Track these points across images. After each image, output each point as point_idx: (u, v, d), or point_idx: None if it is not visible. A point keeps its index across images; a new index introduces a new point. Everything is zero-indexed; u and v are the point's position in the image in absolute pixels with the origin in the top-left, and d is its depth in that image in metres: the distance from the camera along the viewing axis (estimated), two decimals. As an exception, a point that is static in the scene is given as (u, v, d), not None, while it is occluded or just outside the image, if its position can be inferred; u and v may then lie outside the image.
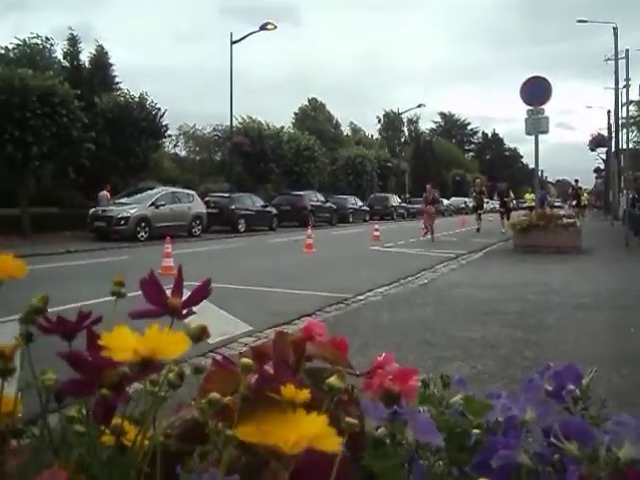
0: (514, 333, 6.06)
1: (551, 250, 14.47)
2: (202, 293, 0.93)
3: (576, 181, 39.85)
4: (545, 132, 17.32)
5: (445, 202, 60.58)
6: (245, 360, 0.74)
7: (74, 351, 0.73)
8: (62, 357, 0.72)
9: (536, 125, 17.09)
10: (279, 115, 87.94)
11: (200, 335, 0.74)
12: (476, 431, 1.01)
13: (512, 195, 30.33)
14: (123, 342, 0.57)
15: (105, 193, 27.66)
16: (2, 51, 33.36)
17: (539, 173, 23.58)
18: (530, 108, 17.30)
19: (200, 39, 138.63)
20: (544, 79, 17.60)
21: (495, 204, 46.09)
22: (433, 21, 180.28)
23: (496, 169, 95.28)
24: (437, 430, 0.91)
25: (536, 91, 17.28)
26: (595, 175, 59.90)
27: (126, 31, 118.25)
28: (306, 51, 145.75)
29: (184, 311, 0.89)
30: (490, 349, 5.47)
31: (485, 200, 33.41)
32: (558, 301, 8.01)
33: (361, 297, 9.17)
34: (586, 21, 36.73)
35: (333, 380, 0.74)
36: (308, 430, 0.50)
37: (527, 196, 40.02)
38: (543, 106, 17.37)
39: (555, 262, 12.95)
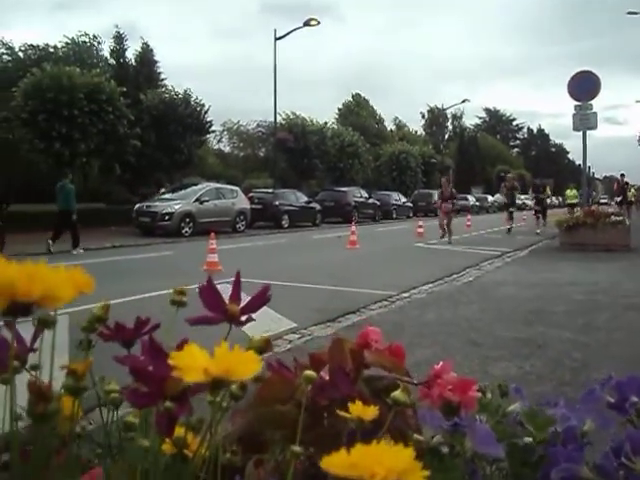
0: (562, 333, 5.97)
1: (599, 248, 14.21)
2: (261, 299, 0.92)
3: (622, 175, 36.11)
4: (593, 128, 17.03)
5: (490, 199, 60.00)
6: (308, 373, 0.73)
7: (137, 361, 0.73)
8: (125, 365, 0.71)
9: (584, 121, 16.81)
10: (322, 111, 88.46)
11: (264, 348, 0.73)
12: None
13: (549, 191, 27.26)
14: (193, 362, 0.57)
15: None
16: (51, 50, 33.91)
17: (587, 169, 22.93)
18: (578, 103, 17.01)
19: (241, 36, 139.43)
20: (592, 73, 17.28)
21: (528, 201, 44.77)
22: (477, 16, 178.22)
23: (542, 165, 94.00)
24: (496, 441, 0.89)
25: (584, 86, 16.98)
26: (645, 171, 58.71)
27: (167, 29, 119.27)
28: (349, 47, 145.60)
29: (243, 318, 0.88)
30: (537, 350, 5.39)
31: (522, 197, 32.59)
32: (607, 301, 7.86)
33: (405, 294, 9.12)
34: (636, 13, 35.84)
35: (398, 394, 0.72)
36: (396, 464, 0.48)
37: (568, 192, 37.09)
38: (591, 101, 17.08)
39: (603, 261, 12.72)
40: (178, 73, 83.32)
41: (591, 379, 4.45)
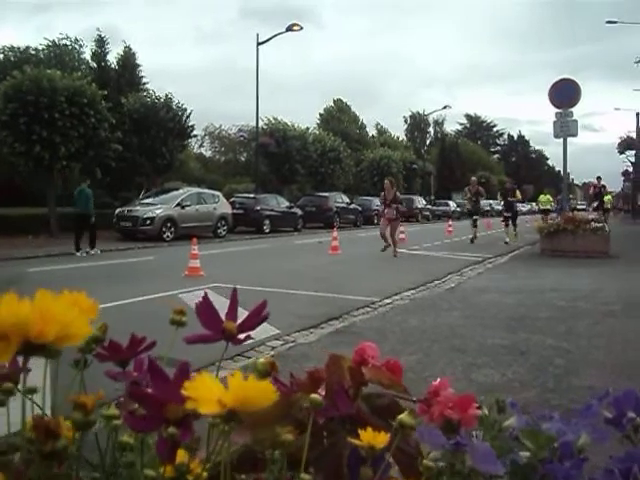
0: (544, 340, 5.99)
1: (579, 254, 14.32)
2: (258, 316, 0.91)
3: (598, 179, 33.52)
4: (574, 135, 17.16)
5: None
6: (315, 397, 0.71)
7: (138, 386, 0.71)
8: (115, 380, 0.70)
9: (565, 128, 16.94)
10: (304, 116, 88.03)
11: (269, 371, 0.72)
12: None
13: (519, 195, 23.93)
14: (207, 393, 0.55)
15: None
16: (32, 52, 33.67)
17: (568, 176, 23.05)
18: (559, 111, 17.13)
19: (221, 40, 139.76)
20: (573, 81, 17.43)
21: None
22: (458, 23, 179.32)
23: (522, 171, 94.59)
24: (496, 459, 0.88)
25: (565, 93, 17.11)
26: (623, 178, 59.15)
27: (148, 33, 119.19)
28: (330, 52, 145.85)
29: (241, 336, 0.87)
30: (520, 356, 5.41)
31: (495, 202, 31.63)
32: (588, 307, 7.92)
33: (388, 301, 9.13)
34: (615, 22, 36.20)
35: (405, 417, 0.71)
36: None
37: (541, 198, 36.00)
38: (572, 109, 17.20)
39: (583, 267, 12.81)
40: (159, 77, 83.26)
41: (573, 386, 4.48)
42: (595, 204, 32.24)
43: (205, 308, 0.88)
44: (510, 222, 22.43)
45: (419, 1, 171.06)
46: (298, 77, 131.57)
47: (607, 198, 34.90)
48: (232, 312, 0.90)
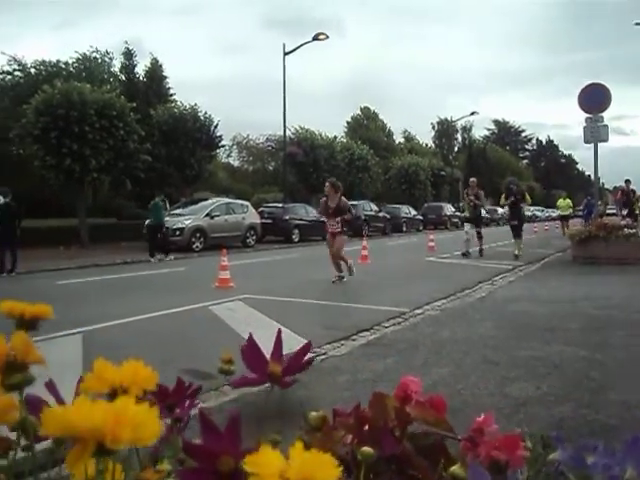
0: (578, 352, 5.92)
1: (612, 262, 14.12)
2: (302, 359, 0.91)
3: (627, 182, 29.60)
4: (605, 140, 16.95)
5: (499, 210, 59.76)
6: (366, 450, 0.71)
7: (190, 442, 0.72)
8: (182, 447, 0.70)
9: (595, 133, 16.75)
10: (328, 124, 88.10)
11: (320, 425, 0.72)
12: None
13: (529, 199, 19.69)
14: (269, 467, 0.55)
15: None
16: (62, 65, 34.13)
17: (599, 181, 21.81)
18: (589, 116, 16.96)
19: (244, 51, 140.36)
20: (603, 86, 17.22)
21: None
22: (479, 29, 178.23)
23: (551, 176, 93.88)
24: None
25: (595, 98, 16.92)
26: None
27: (172, 45, 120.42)
28: (351, 62, 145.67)
29: (286, 378, 0.87)
30: (554, 369, 5.35)
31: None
32: (622, 317, 7.80)
33: (418, 311, 9.08)
34: (643, 23, 35.74)
35: (457, 470, 0.71)
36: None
37: (561, 202, 32.40)
38: (602, 114, 17.02)
39: (616, 274, 12.65)
40: (184, 89, 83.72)
41: (609, 400, 4.42)
42: (625, 211, 27.12)
43: (250, 350, 0.89)
44: (518, 232, 18.65)
45: (439, 9, 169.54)
46: (322, 86, 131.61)
47: (637, 204, 29.43)
48: (277, 353, 0.91)
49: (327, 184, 13.54)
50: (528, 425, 3.89)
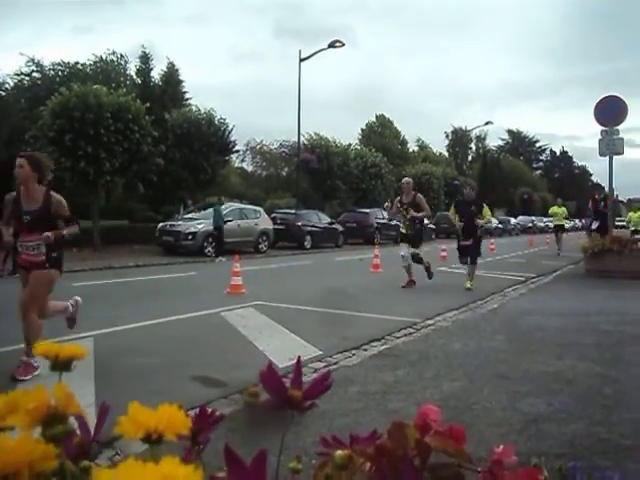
0: (591, 368, 5.88)
1: (626, 276, 14.03)
2: (322, 385, 0.91)
3: (595, 186, 27.50)
4: (620, 153, 16.85)
5: (512, 221, 59.68)
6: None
7: (216, 476, 0.71)
8: None
9: (611, 146, 16.67)
10: (340, 132, 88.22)
11: (347, 464, 0.72)
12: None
13: (488, 214, 14.28)
14: None
15: None
16: (79, 67, 34.38)
17: (613, 193, 20.84)
18: (604, 129, 16.89)
19: (258, 58, 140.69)
20: (619, 98, 17.12)
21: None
22: (496, 40, 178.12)
23: (565, 187, 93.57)
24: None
25: (611, 111, 16.84)
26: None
27: (186, 51, 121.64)
28: (364, 71, 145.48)
29: (306, 403, 0.87)
30: (567, 385, 5.31)
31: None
32: (636, 333, 7.75)
33: (430, 322, 9.06)
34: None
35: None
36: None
37: (555, 210, 27.24)
38: (618, 127, 16.94)
39: (630, 289, 12.58)
40: (199, 94, 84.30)
41: (623, 418, 4.38)
42: (596, 224, 20.34)
43: (269, 376, 0.88)
44: (469, 254, 13.99)
45: (453, 21, 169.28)
46: (334, 94, 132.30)
47: (637, 215, 24.92)
48: (297, 379, 0.90)
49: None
50: (540, 442, 3.87)
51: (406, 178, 15.09)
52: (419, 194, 14.19)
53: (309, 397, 0.90)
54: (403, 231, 14.38)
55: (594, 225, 19.47)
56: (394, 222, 36.19)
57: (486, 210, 14.01)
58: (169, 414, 0.64)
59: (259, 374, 0.90)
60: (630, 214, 25.99)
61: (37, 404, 0.68)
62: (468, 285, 13.50)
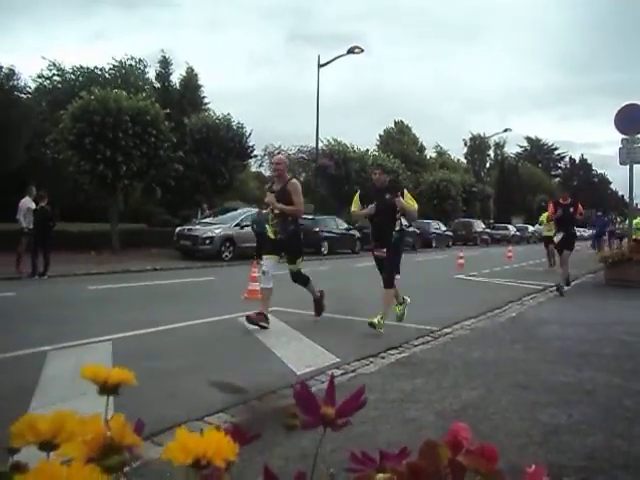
0: (611, 379, 5.83)
1: (645, 286, 13.92)
2: (356, 402, 0.90)
3: (565, 189, 21.38)
4: (641, 162, 16.73)
5: (530, 229, 59.34)
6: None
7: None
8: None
9: (631, 154, 16.54)
10: (357, 137, 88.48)
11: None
12: None
13: (410, 203, 9.81)
14: None
15: None
16: (99, 72, 34.64)
17: (633, 202, 20.61)
18: (625, 137, 16.77)
19: (276, 63, 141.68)
20: (640, 107, 17.01)
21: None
22: (513, 47, 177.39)
23: (583, 195, 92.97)
24: None
25: (632, 119, 16.72)
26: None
27: (203, 57, 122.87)
28: (380, 77, 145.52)
29: (339, 421, 0.87)
30: (587, 396, 5.27)
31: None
32: (656, 344, 7.70)
33: (448, 330, 9.02)
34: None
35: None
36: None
37: (547, 216, 19.41)
38: (639, 135, 16.80)
39: (650, 299, 12.48)
40: (216, 100, 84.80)
41: (644, 431, 4.34)
42: (560, 236, 15.41)
43: (302, 394, 0.88)
44: (386, 274, 9.91)
45: (470, 27, 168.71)
46: (351, 100, 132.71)
47: (636, 220, 22.11)
48: (331, 397, 0.90)
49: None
50: (560, 455, 3.83)
51: (278, 156, 11.81)
52: (294, 179, 10.01)
53: (343, 414, 0.89)
54: (271, 236, 9.81)
55: (557, 237, 15.12)
56: (411, 229, 36.23)
57: (408, 197, 9.74)
58: (217, 440, 0.64)
59: (293, 392, 0.90)
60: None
61: (95, 435, 0.68)
62: (376, 320, 8.83)
